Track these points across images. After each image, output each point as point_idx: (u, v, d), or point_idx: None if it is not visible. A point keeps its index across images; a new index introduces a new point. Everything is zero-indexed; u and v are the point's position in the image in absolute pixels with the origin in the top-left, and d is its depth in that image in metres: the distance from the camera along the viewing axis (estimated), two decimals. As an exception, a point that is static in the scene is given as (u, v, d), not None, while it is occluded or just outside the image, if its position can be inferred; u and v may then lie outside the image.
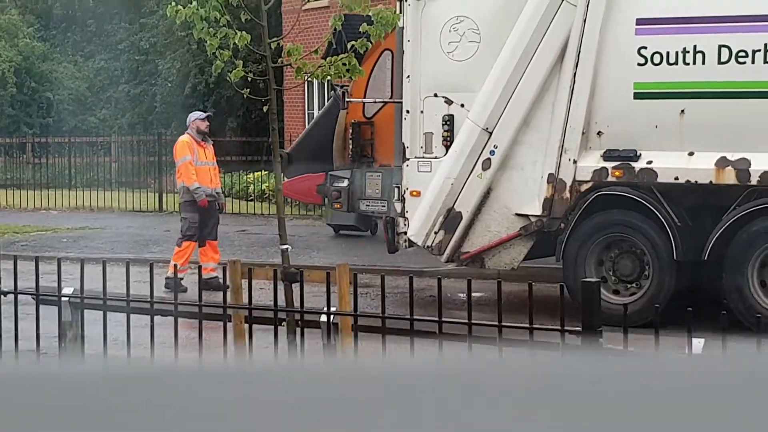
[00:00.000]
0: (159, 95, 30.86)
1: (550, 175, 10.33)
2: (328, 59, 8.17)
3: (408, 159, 11.06)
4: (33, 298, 6.51)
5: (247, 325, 6.21)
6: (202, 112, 12.69)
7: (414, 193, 11.01)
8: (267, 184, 20.98)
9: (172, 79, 30.15)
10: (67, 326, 7.75)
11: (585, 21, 10.08)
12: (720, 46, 9.63)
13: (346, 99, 12.00)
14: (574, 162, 10.23)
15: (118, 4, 34.01)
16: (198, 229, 12.15)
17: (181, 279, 11.56)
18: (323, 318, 6.62)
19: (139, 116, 31.86)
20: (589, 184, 10.24)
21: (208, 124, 12.39)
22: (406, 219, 11.10)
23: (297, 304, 6.39)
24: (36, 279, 6.39)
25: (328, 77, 8.43)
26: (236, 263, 6.58)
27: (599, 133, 10.19)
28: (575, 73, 10.16)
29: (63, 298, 6.63)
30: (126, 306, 6.10)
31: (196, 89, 29.37)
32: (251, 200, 21.34)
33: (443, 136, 10.85)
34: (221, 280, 10.91)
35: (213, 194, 12.28)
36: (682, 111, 9.85)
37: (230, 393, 1.11)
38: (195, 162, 12.13)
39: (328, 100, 22.11)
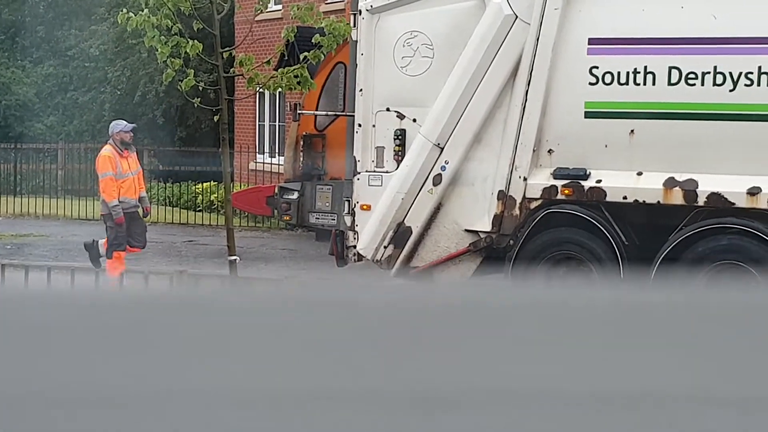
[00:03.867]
0: (108, 103, 30.57)
1: (500, 191, 10.36)
2: (280, 71, 8.15)
3: (359, 172, 11.04)
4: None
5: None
6: (126, 123, 12.40)
7: (364, 207, 10.98)
8: (216, 195, 20.85)
9: (121, 87, 29.90)
10: (9, 335, 7.63)
11: (538, 39, 10.14)
12: (670, 68, 9.73)
13: (298, 111, 11.95)
14: (525, 179, 10.27)
15: (68, 10, 33.70)
16: (122, 240, 12.11)
17: None
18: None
19: (87, 124, 31.54)
20: (539, 202, 10.29)
21: (132, 135, 12.25)
22: (355, 232, 11.07)
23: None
24: (-22, 286, 6.27)
25: (280, 88, 8.40)
26: (183, 273, 6.52)
27: (550, 151, 10.24)
28: (527, 91, 10.20)
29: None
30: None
31: (146, 98, 29.15)
32: (199, 211, 21.19)
33: (395, 151, 10.85)
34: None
35: (136, 204, 12.23)
36: (632, 131, 9.93)
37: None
38: (118, 175, 12.01)
39: (280, 112, 22.02)
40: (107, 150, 12.13)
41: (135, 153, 12.46)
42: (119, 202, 11.97)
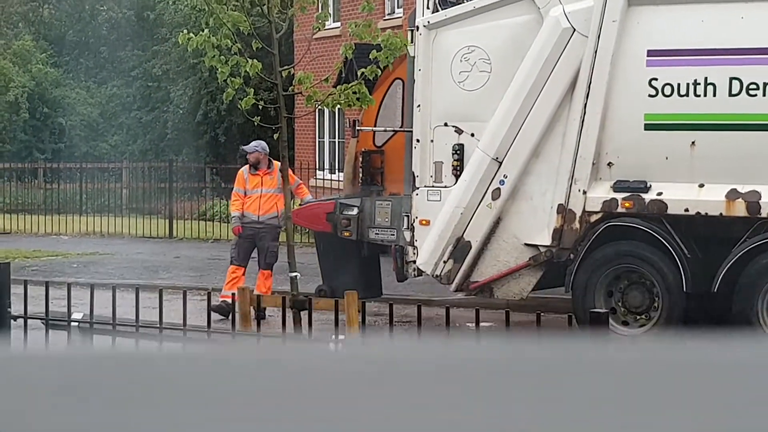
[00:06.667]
0: (170, 122, 30.98)
1: (559, 205, 10.33)
2: (338, 88, 8.20)
3: (418, 188, 11.07)
4: (43, 323, 6.51)
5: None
6: (257, 143, 12.61)
7: (423, 222, 11.01)
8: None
9: (183, 106, 30.29)
10: (76, 351, 7.74)
11: (596, 52, 10.11)
12: (731, 79, 9.64)
13: (357, 127, 12.03)
14: (584, 192, 10.23)
15: (130, 31, 34.21)
16: (238, 253, 12.38)
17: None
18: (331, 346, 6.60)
19: (151, 143, 31.97)
20: (599, 215, 10.23)
21: (256, 155, 12.44)
22: (415, 248, 11.09)
23: (305, 331, 6.39)
24: (46, 304, 6.39)
25: (338, 105, 8.46)
26: (245, 291, 6.59)
27: (609, 164, 10.19)
28: (586, 104, 10.17)
29: (72, 323, 6.63)
30: (135, 331, 6.10)
31: (208, 116, 29.49)
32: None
33: (453, 166, 10.86)
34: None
35: (260, 221, 12.37)
36: (693, 143, 9.85)
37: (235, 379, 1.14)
38: (246, 191, 12.45)
39: (340, 129, 22.08)
40: (243, 167, 12.79)
41: (275, 172, 12.24)
42: (241, 215, 12.36)
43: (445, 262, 10.86)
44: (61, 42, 36.00)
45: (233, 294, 6.84)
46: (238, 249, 12.44)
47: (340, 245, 11.80)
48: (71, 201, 24.55)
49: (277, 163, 12.49)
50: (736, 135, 9.69)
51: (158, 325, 6.20)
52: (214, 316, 10.97)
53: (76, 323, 6.61)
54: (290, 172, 12.86)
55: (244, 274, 12.40)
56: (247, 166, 12.67)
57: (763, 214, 9.57)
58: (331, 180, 21.28)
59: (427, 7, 11.14)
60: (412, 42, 10.90)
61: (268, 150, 12.60)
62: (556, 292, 11.29)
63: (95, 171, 26.26)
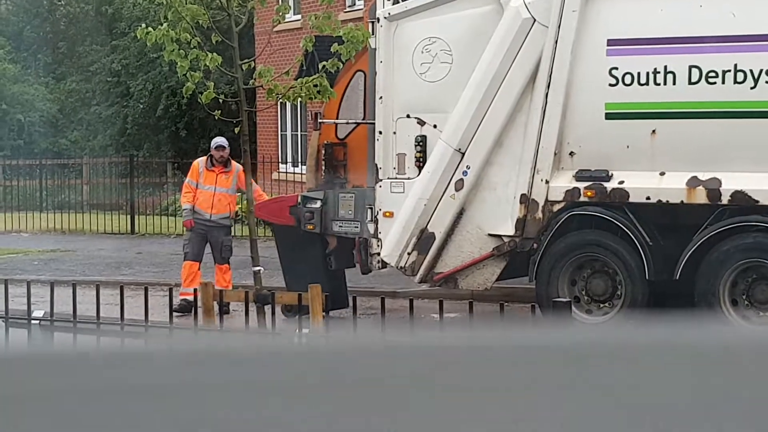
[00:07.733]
0: (131, 117, 30.74)
1: (522, 195, 10.36)
2: (299, 81, 8.16)
3: (381, 180, 11.05)
4: (2, 321, 6.44)
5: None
6: (221, 139, 12.34)
7: (387, 214, 11.00)
8: (239, 206, 20.90)
9: (144, 100, 30.06)
10: (37, 350, 7.66)
11: (557, 42, 10.13)
12: (690, 67, 9.70)
13: (319, 120, 11.99)
14: (547, 182, 10.26)
15: (89, 26, 33.91)
16: (192, 249, 12.29)
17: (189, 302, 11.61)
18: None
19: (111, 138, 31.71)
20: (562, 204, 10.27)
21: (221, 154, 12.26)
22: (379, 240, 11.08)
23: (269, 325, 6.36)
24: (6, 302, 6.31)
25: (300, 98, 8.42)
26: (208, 285, 6.55)
27: (571, 154, 10.23)
28: (547, 94, 10.20)
29: (33, 321, 6.56)
30: (96, 328, 6.04)
31: (169, 111, 29.30)
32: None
33: (416, 157, 10.86)
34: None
35: (211, 220, 12.26)
36: (654, 131, 9.91)
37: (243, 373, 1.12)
38: (199, 186, 12.30)
39: (302, 122, 22.03)
40: (199, 159, 12.63)
41: (233, 172, 12.18)
42: (192, 210, 12.26)
43: (409, 253, 10.86)
44: (18, 38, 35.60)
45: (195, 290, 6.81)
46: (192, 245, 12.34)
47: (304, 258, 11.73)
48: (31, 198, 24.32)
49: (235, 164, 12.35)
50: (696, 123, 9.76)
51: (120, 322, 6.14)
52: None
53: (37, 321, 6.54)
54: (243, 175, 12.67)
55: (199, 269, 12.32)
56: (204, 159, 12.47)
57: (724, 201, 9.64)
58: (294, 173, 21.20)
59: (388, -1, 11.12)
60: (373, 34, 10.87)
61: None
62: (520, 281, 11.32)
63: (55, 167, 26.02)
